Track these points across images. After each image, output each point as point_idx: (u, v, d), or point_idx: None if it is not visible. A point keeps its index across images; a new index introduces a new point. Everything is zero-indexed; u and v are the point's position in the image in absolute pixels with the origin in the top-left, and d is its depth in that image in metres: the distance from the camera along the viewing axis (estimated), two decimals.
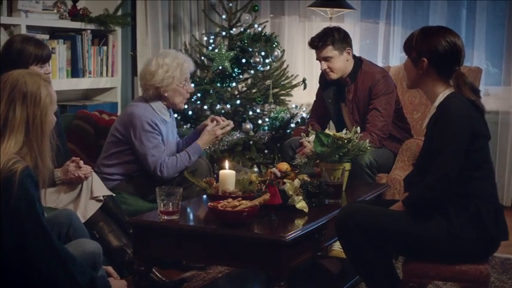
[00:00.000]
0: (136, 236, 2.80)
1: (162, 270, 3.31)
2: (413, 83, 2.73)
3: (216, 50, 5.06)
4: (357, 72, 4.01)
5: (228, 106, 5.07)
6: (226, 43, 5.23)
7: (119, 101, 5.16)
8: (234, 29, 5.23)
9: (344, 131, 3.33)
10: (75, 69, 4.74)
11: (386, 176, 3.97)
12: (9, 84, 2.25)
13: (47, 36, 4.50)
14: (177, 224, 2.68)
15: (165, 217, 2.68)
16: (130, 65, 5.42)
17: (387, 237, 2.58)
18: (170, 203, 2.67)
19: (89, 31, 4.84)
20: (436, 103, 2.62)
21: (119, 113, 4.95)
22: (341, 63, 3.97)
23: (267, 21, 5.47)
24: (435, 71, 2.63)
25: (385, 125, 3.93)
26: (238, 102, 5.12)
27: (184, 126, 4.99)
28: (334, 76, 4.00)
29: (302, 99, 5.39)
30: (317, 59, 4.03)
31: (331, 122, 4.34)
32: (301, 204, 2.80)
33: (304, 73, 5.51)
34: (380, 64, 5.11)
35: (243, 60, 5.07)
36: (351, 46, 4.01)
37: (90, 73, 4.88)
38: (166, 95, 3.63)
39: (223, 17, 5.32)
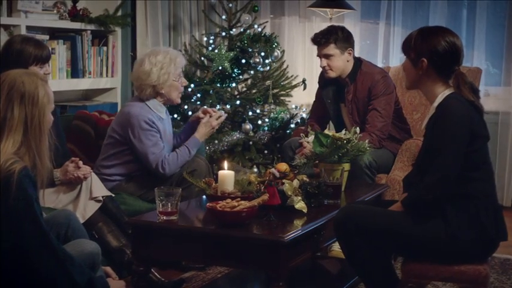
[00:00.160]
0: (135, 237, 2.80)
1: (161, 271, 3.30)
2: (412, 83, 2.73)
3: (216, 51, 5.06)
4: (356, 73, 4.01)
5: (228, 106, 5.07)
6: (226, 43, 5.23)
7: (119, 101, 5.15)
8: (233, 30, 5.23)
9: (343, 131, 3.32)
10: (75, 70, 4.74)
11: (386, 177, 3.96)
12: (7, 84, 2.25)
13: (46, 37, 4.50)
14: (176, 224, 2.68)
15: (164, 217, 2.68)
16: (130, 66, 5.41)
17: (386, 237, 2.58)
18: (169, 204, 2.66)
19: (88, 31, 4.84)
20: (436, 103, 2.62)
21: None
22: (341, 63, 3.98)
23: (266, 22, 5.47)
24: (435, 71, 2.63)
25: (384, 125, 3.93)
26: (238, 102, 5.12)
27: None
28: (332, 74, 4.00)
29: (302, 99, 5.39)
30: (317, 56, 4.04)
31: (330, 123, 4.34)
32: (300, 205, 2.80)
33: (304, 73, 5.51)
34: (380, 64, 5.12)
35: (243, 61, 5.07)
36: (353, 47, 4.02)
37: (90, 73, 4.88)
38: (163, 92, 3.64)
39: (223, 17, 5.33)
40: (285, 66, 5.42)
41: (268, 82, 5.19)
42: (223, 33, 5.27)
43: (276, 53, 5.12)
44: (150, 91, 3.63)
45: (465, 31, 5.13)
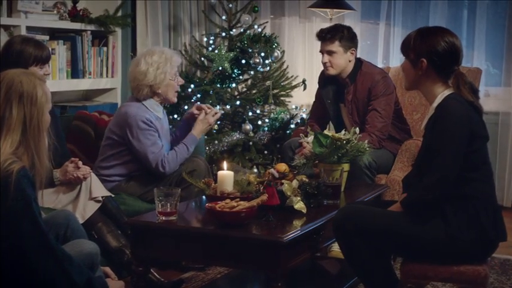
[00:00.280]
0: (134, 237, 2.79)
1: (160, 271, 3.30)
2: (412, 84, 2.72)
3: (216, 51, 5.06)
4: (356, 73, 4.01)
5: (228, 107, 5.07)
6: (226, 44, 5.23)
7: (119, 101, 5.15)
8: (234, 30, 5.23)
9: (343, 131, 3.32)
10: (75, 70, 4.74)
11: (386, 177, 3.96)
12: (5, 84, 2.25)
13: (46, 37, 4.50)
14: (175, 224, 2.68)
15: (163, 218, 2.67)
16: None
17: (385, 238, 2.58)
18: (168, 204, 2.66)
19: (89, 32, 4.84)
20: (435, 104, 2.62)
21: None
22: (342, 61, 3.98)
23: (266, 22, 5.47)
24: (434, 72, 2.63)
25: (384, 125, 3.93)
26: (238, 103, 5.12)
27: None
28: (332, 71, 4.00)
29: (302, 100, 5.39)
30: (320, 51, 4.04)
31: (330, 123, 4.34)
32: (299, 205, 2.80)
33: (304, 74, 5.50)
34: (380, 65, 5.11)
35: (243, 61, 5.07)
36: (356, 48, 4.03)
37: (90, 74, 4.87)
38: (159, 91, 3.65)
39: (223, 17, 5.33)
40: (285, 66, 5.42)
41: (268, 82, 5.19)
42: (223, 34, 5.27)
43: (276, 54, 5.12)
44: (147, 91, 3.64)
45: (465, 31, 5.13)
